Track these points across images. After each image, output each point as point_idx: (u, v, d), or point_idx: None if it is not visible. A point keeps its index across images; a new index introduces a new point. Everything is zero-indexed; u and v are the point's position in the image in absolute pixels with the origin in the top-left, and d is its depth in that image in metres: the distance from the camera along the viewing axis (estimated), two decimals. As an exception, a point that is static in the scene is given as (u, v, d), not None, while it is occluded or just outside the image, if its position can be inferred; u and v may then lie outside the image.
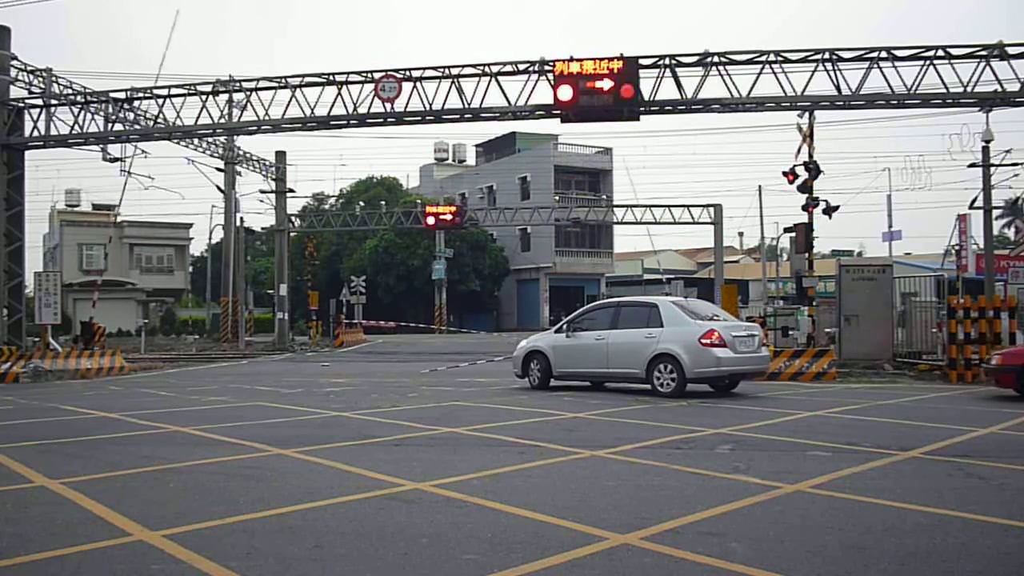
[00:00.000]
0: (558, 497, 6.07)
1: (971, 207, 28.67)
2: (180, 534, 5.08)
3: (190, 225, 62.16)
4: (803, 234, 19.43)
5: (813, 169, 19.26)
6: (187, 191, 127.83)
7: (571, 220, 47.91)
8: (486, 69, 20.82)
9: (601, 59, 19.83)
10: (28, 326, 24.15)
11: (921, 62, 19.10)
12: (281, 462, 7.70)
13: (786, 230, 27.55)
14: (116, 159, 25.07)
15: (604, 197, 56.23)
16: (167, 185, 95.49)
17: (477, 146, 69.21)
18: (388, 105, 21.33)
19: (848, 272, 19.15)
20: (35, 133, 23.46)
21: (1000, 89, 19.10)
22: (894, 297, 20.21)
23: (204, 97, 22.63)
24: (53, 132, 23.42)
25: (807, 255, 19.66)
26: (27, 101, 23.63)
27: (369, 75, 21.45)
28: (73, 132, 23.35)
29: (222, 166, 37.96)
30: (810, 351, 17.47)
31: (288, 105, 21.95)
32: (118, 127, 23.87)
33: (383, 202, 51.46)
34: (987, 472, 6.93)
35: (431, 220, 44.82)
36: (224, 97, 23.12)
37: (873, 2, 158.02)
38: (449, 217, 45.03)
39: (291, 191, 39.79)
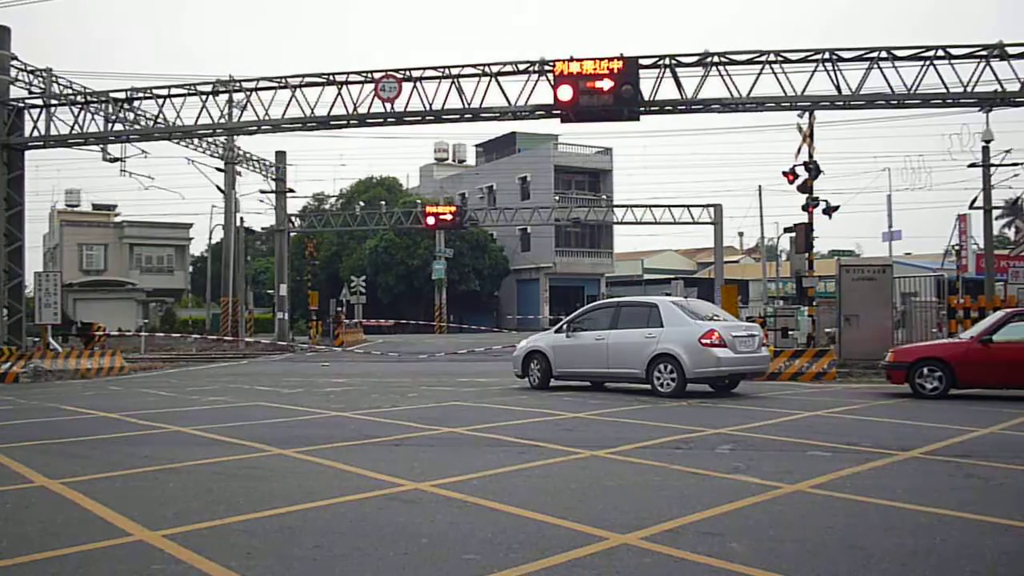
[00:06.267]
0: (558, 497, 6.07)
1: (971, 207, 28.72)
2: (180, 534, 5.08)
3: (190, 225, 62.25)
4: (803, 234, 19.43)
5: (813, 169, 19.28)
6: (187, 191, 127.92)
7: (571, 220, 47.93)
8: (486, 69, 20.80)
9: (601, 59, 19.81)
10: (28, 326, 24.13)
11: (921, 62, 19.09)
12: (281, 462, 7.70)
13: (786, 230, 27.60)
14: (116, 159, 25.06)
15: (604, 197, 56.23)
16: (167, 185, 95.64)
17: (477, 146, 69.22)
18: (388, 105, 21.31)
19: (848, 272, 19.14)
20: (35, 133, 23.43)
21: (1000, 89, 19.08)
22: (894, 297, 20.21)
23: (204, 97, 22.61)
24: (53, 132, 23.39)
25: (807, 255, 19.66)
26: (27, 101, 23.59)
27: (369, 75, 21.44)
28: (73, 132, 23.32)
29: (222, 166, 37.97)
30: (810, 351, 17.47)
31: (288, 105, 21.92)
32: (118, 127, 23.85)
33: (383, 202, 51.46)
34: (987, 472, 6.93)
35: (431, 220, 44.86)
36: (224, 97, 23.10)
37: (874, 2, 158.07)
38: (449, 217, 45.07)
39: (291, 191, 39.81)
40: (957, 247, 37.68)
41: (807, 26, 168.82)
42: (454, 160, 72.33)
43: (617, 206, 47.78)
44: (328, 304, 40.40)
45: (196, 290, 61.97)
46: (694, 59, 20.02)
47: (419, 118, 21.83)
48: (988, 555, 4.60)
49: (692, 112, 21.38)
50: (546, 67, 20.31)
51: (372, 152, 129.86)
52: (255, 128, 23.39)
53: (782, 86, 19.52)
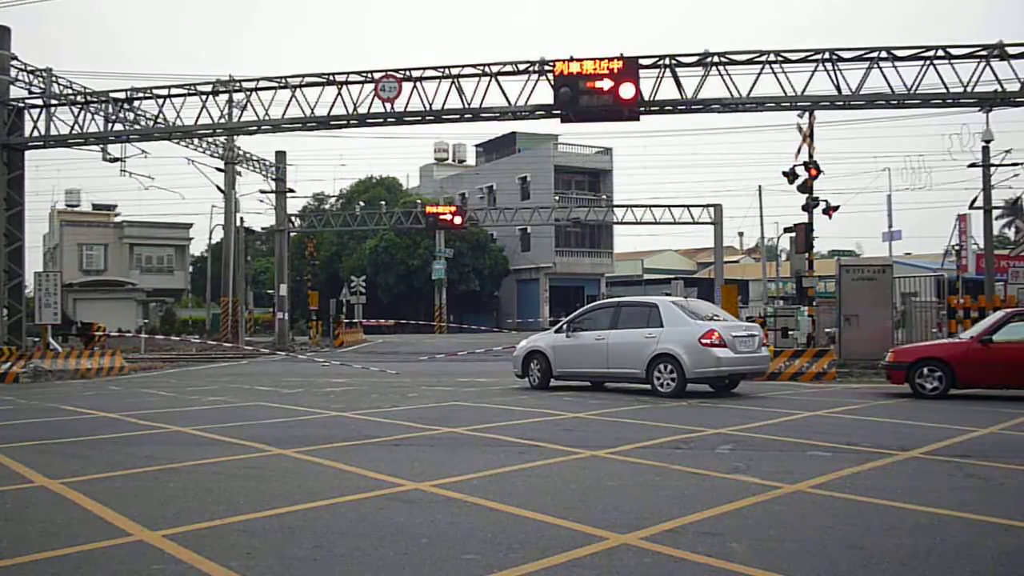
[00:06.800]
0: (558, 497, 6.07)
1: (971, 207, 28.69)
2: (180, 534, 5.08)
3: (190, 225, 62.26)
4: (803, 234, 19.42)
5: (813, 169, 19.26)
6: (187, 191, 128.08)
7: (571, 220, 47.94)
8: (486, 69, 20.79)
9: (601, 59, 19.80)
10: (28, 326, 24.13)
11: (921, 62, 19.08)
12: (281, 462, 7.70)
13: (786, 230, 27.58)
14: (116, 159, 25.05)
15: (604, 197, 56.23)
16: (167, 185, 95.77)
17: (477, 146, 69.24)
18: (388, 105, 21.30)
19: (848, 272, 19.13)
20: (35, 133, 23.42)
21: (1000, 89, 19.07)
22: (894, 297, 20.20)
23: (204, 97, 22.60)
24: (53, 132, 23.38)
25: (807, 255, 19.65)
26: (27, 101, 23.58)
27: (369, 75, 21.43)
28: (73, 132, 23.31)
29: (222, 166, 37.96)
30: (810, 351, 17.46)
31: (288, 105, 21.92)
32: (118, 127, 23.84)
33: (383, 202, 51.48)
34: (987, 472, 6.93)
35: (431, 220, 44.87)
36: (224, 97, 23.09)
37: (874, 2, 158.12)
38: (449, 217, 45.07)
39: (291, 191, 39.80)
40: (957, 247, 37.65)
41: (807, 26, 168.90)
42: (454, 160, 72.35)
43: (617, 206, 47.76)
44: (328, 304, 40.40)
45: (196, 290, 61.98)
46: (694, 59, 20.01)
47: (419, 118, 21.82)
48: (988, 555, 4.60)
49: (692, 112, 21.37)
50: (546, 67, 20.30)
51: (372, 152, 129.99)
52: (255, 128, 23.38)
53: (782, 86, 19.52)
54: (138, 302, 57.25)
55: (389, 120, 22.06)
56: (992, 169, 27.74)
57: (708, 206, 42.16)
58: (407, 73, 21.25)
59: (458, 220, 45.15)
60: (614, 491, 6.29)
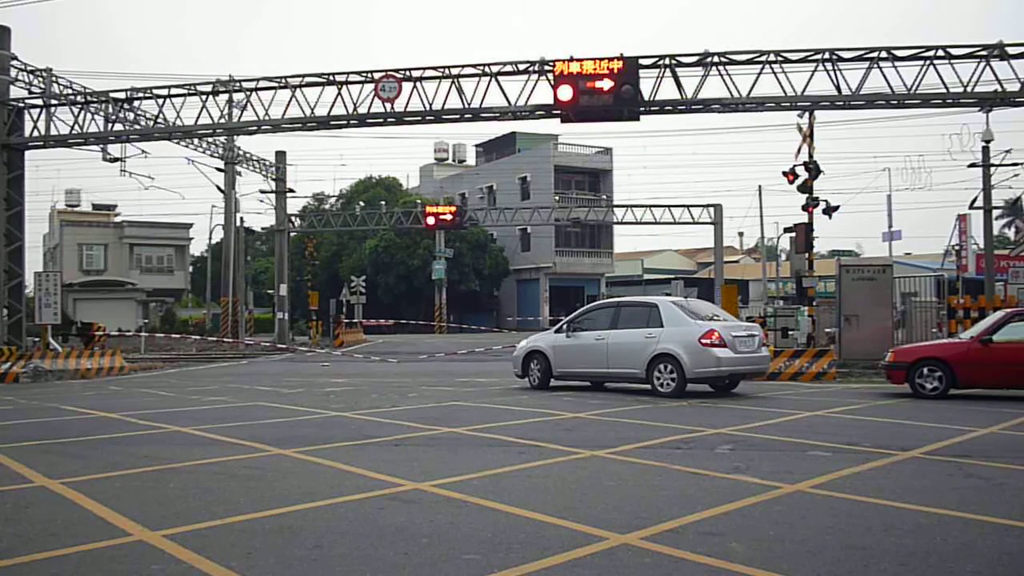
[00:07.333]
0: (558, 497, 6.07)
1: (971, 207, 28.71)
2: (180, 534, 5.08)
3: (190, 225, 62.28)
4: (803, 234, 19.42)
5: (813, 169, 19.26)
6: (187, 191, 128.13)
7: (571, 220, 47.97)
8: (486, 69, 20.81)
9: (601, 59, 19.82)
10: (28, 326, 24.13)
11: (921, 62, 19.10)
12: (281, 462, 7.70)
13: (786, 230, 27.57)
14: (116, 159, 25.06)
15: (604, 197, 56.25)
16: (167, 185, 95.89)
17: (477, 146, 69.27)
18: (388, 105, 21.32)
19: (848, 272, 19.13)
20: (35, 133, 23.43)
21: (1000, 89, 19.09)
22: (894, 297, 20.20)
23: (204, 97, 22.61)
24: (53, 132, 23.39)
25: (807, 255, 19.65)
26: (27, 101, 23.59)
27: (369, 75, 21.44)
28: (73, 132, 23.32)
29: (222, 166, 37.97)
30: (810, 351, 17.46)
31: (288, 105, 21.95)
32: (118, 127, 23.85)
33: (383, 202, 51.46)
34: (987, 472, 6.93)
35: (431, 220, 44.91)
36: (224, 97, 23.10)
37: (873, 2, 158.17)
38: (449, 217, 45.11)
39: (291, 191, 39.81)
40: (957, 247, 37.64)
41: (807, 26, 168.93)
42: (454, 160, 72.36)
43: (617, 206, 47.80)
44: (328, 304, 40.39)
45: (196, 290, 61.96)
46: (694, 59, 20.02)
47: (419, 118, 21.83)
48: (988, 555, 4.60)
49: (692, 112, 21.38)
50: (546, 67, 20.31)
51: (372, 152, 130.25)
52: (255, 128, 23.39)
53: (782, 86, 19.53)
54: (138, 302, 57.27)
55: (389, 120, 22.07)
56: (992, 169, 27.76)
57: (708, 206, 42.20)
58: (407, 73, 21.26)
59: (458, 220, 45.20)
60: (614, 491, 6.29)
